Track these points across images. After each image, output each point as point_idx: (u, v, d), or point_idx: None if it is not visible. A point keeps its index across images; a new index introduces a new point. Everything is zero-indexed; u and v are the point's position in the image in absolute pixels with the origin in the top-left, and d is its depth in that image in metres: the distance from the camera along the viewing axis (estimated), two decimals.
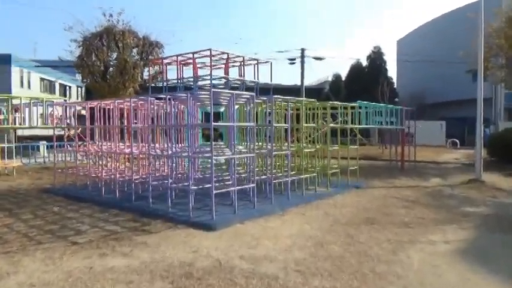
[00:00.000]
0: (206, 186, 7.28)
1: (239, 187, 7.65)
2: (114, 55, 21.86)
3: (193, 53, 9.80)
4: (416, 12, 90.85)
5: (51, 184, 10.96)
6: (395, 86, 49.68)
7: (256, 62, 9.60)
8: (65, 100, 34.53)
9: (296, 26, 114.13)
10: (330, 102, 10.56)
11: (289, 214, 7.51)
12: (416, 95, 40.90)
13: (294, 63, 29.24)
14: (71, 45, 20.65)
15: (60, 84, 43.46)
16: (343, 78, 50.90)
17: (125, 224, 6.76)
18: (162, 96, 8.01)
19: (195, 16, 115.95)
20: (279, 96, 8.87)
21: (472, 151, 25.35)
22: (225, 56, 9.26)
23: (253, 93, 7.95)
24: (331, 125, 11.17)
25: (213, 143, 7.06)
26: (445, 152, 25.32)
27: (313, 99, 10.33)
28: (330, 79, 52.83)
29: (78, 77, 26.86)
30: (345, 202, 8.70)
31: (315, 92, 41.92)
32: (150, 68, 21.52)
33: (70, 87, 46.08)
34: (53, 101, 14.24)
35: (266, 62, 10.54)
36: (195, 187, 7.35)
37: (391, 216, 7.48)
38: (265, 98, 8.57)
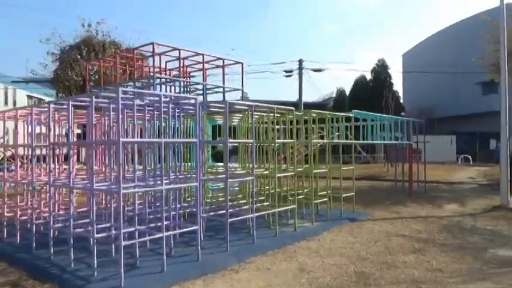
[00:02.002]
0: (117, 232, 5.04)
1: (174, 232, 5.52)
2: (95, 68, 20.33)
3: (134, 49, 7.97)
4: (421, 25, 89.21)
5: None
6: (401, 101, 47.73)
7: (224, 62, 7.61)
8: None
9: (296, 38, 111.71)
10: (316, 111, 8.43)
11: (248, 269, 5.24)
12: (424, 109, 38.76)
13: (290, 75, 27.27)
14: (46, 58, 19.09)
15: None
16: (348, 93, 49.18)
17: None
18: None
19: (189, 26, 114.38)
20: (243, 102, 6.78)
21: (486, 168, 23.03)
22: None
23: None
24: (315, 141, 8.96)
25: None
26: (457, 169, 22.90)
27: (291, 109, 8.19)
28: (334, 95, 51.01)
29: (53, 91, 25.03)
30: (333, 246, 6.41)
31: (317, 107, 39.87)
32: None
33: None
34: None
35: (237, 63, 8.55)
36: (99, 235, 5.06)
37: (396, 270, 5.20)
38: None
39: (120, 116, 4.63)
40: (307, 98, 30.00)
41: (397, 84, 51.41)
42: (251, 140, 6.60)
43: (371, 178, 18.38)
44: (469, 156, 27.61)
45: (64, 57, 19.02)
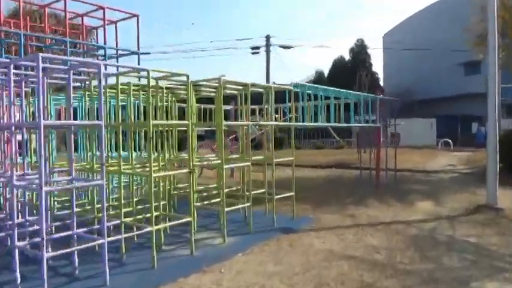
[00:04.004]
0: None
1: None
2: None
3: None
4: (403, 3, 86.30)
5: None
6: (381, 83, 45.81)
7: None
8: None
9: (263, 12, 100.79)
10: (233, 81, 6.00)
11: None
12: (404, 92, 36.86)
13: (257, 52, 24.74)
14: None
15: None
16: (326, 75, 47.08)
17: None
18: None
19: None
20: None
21: (468, 153, 21.10)
22: None
23: None
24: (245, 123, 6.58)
25: None
26: (436, 154, 20.92)
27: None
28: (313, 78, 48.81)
29: None
30: (235, 285, 4.12)
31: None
32: None
33: None
34: None
35: (133, 17, 6.14)
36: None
37: None
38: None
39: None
40: (279, 80, 27.52)
41: (378, 67, 49.45)
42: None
43: (340, 166, 16.22)
44: (450, 141, 25.72)
45: None
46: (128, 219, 4.60)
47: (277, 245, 5.33)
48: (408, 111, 35.70)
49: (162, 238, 5.10)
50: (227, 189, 6.90)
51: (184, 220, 4.79)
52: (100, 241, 3.67)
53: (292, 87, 6.44)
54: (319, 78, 46.84)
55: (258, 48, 24.69)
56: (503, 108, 30.48)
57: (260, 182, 6.94)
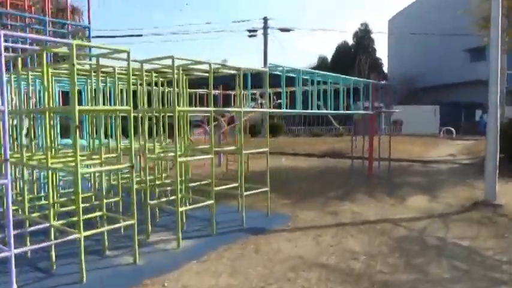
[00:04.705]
0: None
1: None
2: None
3: None
4: None
5: None
6: (385, 69, 44.71)
7: None
8: None
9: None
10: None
11: None
12: (408, 79, 35.81)
13: (254, 35, 23.80)
14: None
15: None
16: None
17: None
18: None
19: None
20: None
21: (470, 142, 20.28)
22: None
23: None
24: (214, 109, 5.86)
25: None
26: (438, 143, 20.12)
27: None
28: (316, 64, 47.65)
29: None
30: None
31: (290, 78, 36.44)
32: None
33: None
34: None
35: None
36: None
37: None
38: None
39: None
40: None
41: (383, 53, 48.16)
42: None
43: (336, 155, 15.51)
44: (452, 129, 24.83)
45: None
46: (58, 223, 3.93)
47: (240, 250, 4.66)
48: (412, 98, 34.74)
49: (106, 243, 4.44)
50: (195, 183, 6.25)
51: (126, 223, 4.11)
52: (4, 253, 2.99)
53: (267, 69, 5.68)
54: (322, 64, 45.74)
55: (255, 31, 23.72)
56: (508, 95, 29.60)
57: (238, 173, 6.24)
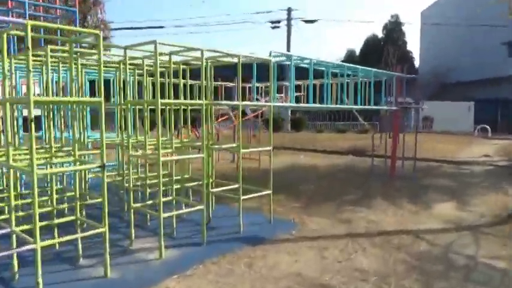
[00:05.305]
0: None
1: None
2: None
3: None
4: None
5: None
6: (416, 63, 42.97)
7: None
8: None
9: None
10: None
11: None
12: (441, 73, 34.13)
13: (278, 27, 23.04)
14: None
15: None
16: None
17: None
18: None
19: None
20: None
21: (508, 141, 18.94)
22: None
23: None
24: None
25: None
26: (471, 142, 18.83)
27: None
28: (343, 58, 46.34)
29: None
30: None
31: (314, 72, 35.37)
32: None
33: None
34: None
35: None
36: None
37: None
38: None
39: None
40: None
41: (415, 46, 46.19)
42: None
43: (359, 153, 14.66)
44: (487, 127, 23.30)
45: None
46: (19, 229, 3.45)
47: (231, 264, 4.06)
48: (444, 93, 33.07)
49: (80, 250, 3.96)
50: (193, 183, 5.70)
51: (96, 231, 3.58)
52: None
53: (271, 58, 5.03)
54: (350, 58, 44.42)
55: (278, 22, 22.94)
56: None
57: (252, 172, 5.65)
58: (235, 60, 4.80)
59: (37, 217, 3.09)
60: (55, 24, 4.94)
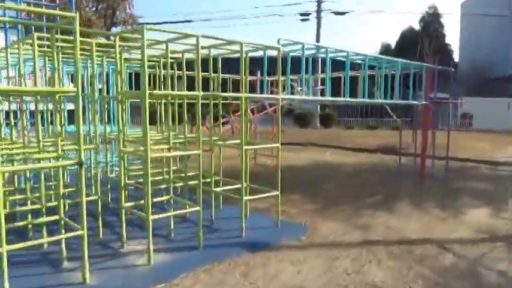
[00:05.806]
0: None
1: None
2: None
3: None
4: None
5: None
6: (456, 56, 40.93)
7: None
8: None
9: None
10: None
11: None
12: (481, 67, 32.28)
13: (307, 19, 22.37)
14: None
15: None
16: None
17: None
18: None
19: None
20: None
21: None
22: None
23: None
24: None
25: None
26: (510, 141, 17.55)
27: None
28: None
29: None
30: None
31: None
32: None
33: None
34: None
35: None
36: None
37: None
38: None
39: None
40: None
41: (454, 39, 44.02)
42: None
43: (389, 151, 13.88)
44: None
45: None
46: None
47: (224, 273, 3.67)
48: (485, 88, 31.21)
49: (64, 252, 3.68)
50: (194, 182, 5.33)
51: (74, 233, 3.28)
52: None
53: (279, 46, 4.57)
54: (385, 51, 42.91)
55: (307, 14, 22.26)
56: None
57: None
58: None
59: (3, 218, 2.80)
60: (34, 8, 4.67)
